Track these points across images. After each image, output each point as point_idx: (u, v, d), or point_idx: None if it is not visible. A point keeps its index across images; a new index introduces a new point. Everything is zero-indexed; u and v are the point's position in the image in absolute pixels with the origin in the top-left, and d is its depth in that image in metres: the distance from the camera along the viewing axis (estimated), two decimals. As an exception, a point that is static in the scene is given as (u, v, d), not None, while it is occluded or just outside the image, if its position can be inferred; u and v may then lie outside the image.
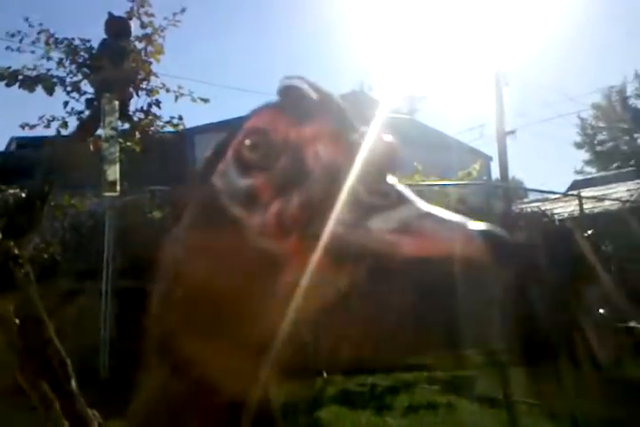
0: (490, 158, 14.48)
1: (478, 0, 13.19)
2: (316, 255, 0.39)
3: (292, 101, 0.42)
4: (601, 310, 4.78)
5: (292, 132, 0.41)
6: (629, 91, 28.63)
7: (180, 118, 5.17)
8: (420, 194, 0.48)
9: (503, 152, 13.04)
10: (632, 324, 5.69)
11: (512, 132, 13.94)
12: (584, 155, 30.06)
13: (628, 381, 4.72)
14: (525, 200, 11.77)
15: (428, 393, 4.47)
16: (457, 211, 0.39)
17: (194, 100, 5.41)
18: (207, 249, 0.41)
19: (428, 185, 5.69)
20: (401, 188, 0.39)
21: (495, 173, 14.11)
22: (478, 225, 0.35)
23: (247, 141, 0.42)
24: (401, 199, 0.38)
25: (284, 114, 0.42)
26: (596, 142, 29.64)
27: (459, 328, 4.08)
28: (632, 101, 28.64)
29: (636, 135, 28.73)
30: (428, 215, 0.37)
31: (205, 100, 5.49)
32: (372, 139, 0.41)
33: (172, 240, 0.43)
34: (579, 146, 29.75)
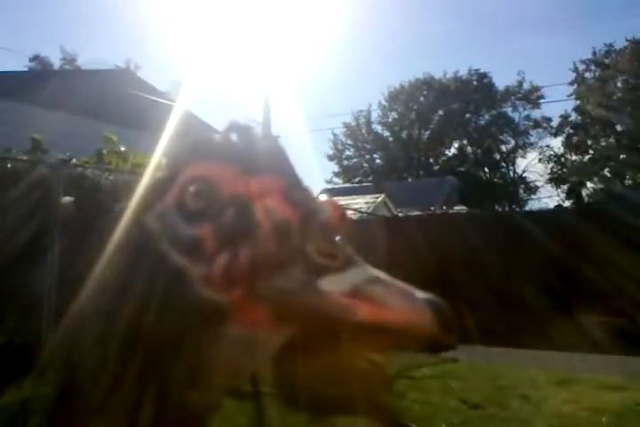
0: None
1: (268, 15, 13.75)
2: (261, 312, 0.37)
3: (240, 149, 0.40)
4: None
5: (240, 183, 0.39)
6: (373, 117, 33.07)
7: None
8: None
9: (268, 155, 13.76)
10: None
11: (277, 137, 14.81)
12: (334, 167, 33.63)
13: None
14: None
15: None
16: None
17: None
18: (145, 294, 0.36)
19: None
20: (349, 250, 0.39)
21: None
22: (423, 294, 0.37)
23: (191, 188, 0.39)
24: (349, 262, 0.38)
25: (230, 163, 0.40)
26: (343, 157, 33.42)
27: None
28: (374, 126, 33.15)
29: (375, 155, 33.31)
30: (378, 281, 0.37)
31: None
32: (319, 199, 0.41)
33: (104, 284, 0.37)
34: (330, 158, 33.17)
